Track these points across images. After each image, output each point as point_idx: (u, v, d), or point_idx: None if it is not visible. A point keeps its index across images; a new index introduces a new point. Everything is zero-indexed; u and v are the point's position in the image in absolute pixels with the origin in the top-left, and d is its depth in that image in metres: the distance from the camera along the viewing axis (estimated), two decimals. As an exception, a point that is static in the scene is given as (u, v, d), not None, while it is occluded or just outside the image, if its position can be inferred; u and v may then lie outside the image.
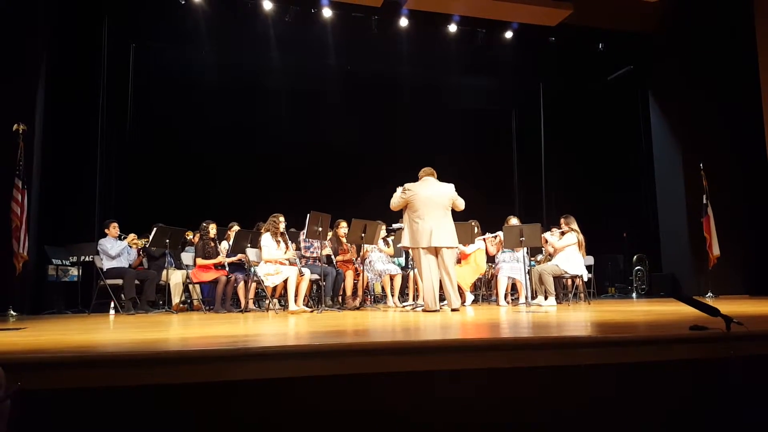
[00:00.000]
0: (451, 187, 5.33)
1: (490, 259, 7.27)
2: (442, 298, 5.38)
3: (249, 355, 2.04)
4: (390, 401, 2.09)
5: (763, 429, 2.18)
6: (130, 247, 6.63)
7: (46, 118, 7.13)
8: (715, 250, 7.95)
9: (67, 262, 7.07)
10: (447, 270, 5.16)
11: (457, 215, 5.44)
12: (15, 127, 6.00)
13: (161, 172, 8.32)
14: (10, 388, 1.16)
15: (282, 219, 6.15)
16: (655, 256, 9.45)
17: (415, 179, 5.43)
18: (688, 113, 8.96)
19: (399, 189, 5.38)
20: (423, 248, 5.14)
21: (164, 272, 6.67)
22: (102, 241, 6.47)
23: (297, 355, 2.08)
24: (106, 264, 6.37)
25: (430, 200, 5.19)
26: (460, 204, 5.37)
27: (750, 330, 2.33)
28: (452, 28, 9.01)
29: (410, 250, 5.63)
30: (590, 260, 7.16)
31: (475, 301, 7.01)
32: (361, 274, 6.88)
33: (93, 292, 6.46)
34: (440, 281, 5.27)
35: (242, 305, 6.38)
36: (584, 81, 10.29)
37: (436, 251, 5.18)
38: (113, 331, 3.60)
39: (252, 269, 6.29)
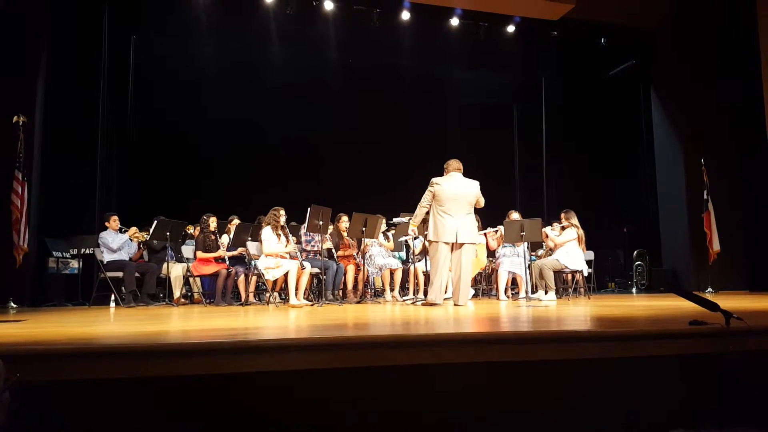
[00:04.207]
0: (476, 184, 5.34)
1: (491, 253, 7.27)
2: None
3: (249, 348, 2.04)
4: (390, 394, 2.09)
5: (760, 424, 2.19)
6: (131, 240, 6.63)
7: (46, 110, 7.11)
8: (715, 246, 7.94)
9: (68, 255, 7.07)
10: (464, 266, 5.18)
11: None
12: (15, 118, 5.98)
13: (162, 164, 8.30)
14: (9, 379, 1.16)
15: (282, 212, 6.14)
16: (655, 252, 9.45)
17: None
18: (689, 108, 8.93)
19: (427, 193, 5.30)
20: (444, 242, 5.15)
21: (165, 265, 6.67)
22: (103, 234, 6.47)
23: (297, 348, 2.08)
24: (107, 257, 6.37)
25: (457, 196, 5.20)
26: (482, 202, 5.41)
27: (749, 325, 2.33)
28: (454, 21, 8.97)
29: (424, 241, 5.60)
30: (590, 255, 7.16)
31: (475, 296, 7.02)
32: (362, 268, 6.89)
33: (93, 285, 6.47)
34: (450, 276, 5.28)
35: (243, 298, 6.38)
36: (586, 76, 10.24)
37: (453, 247, 5.19)
38: (113, 324, 3.61)
39: (252, 262, 6.29)
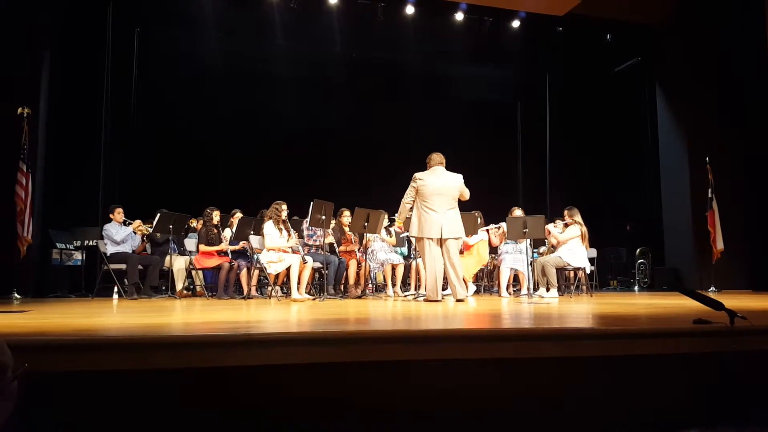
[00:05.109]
0: (459, 177, 5.29)
1: (493, 250, 7.25)
2: (444, 288, 5.38)
3: (251, 342, 2.05)
4: (390, 389, 2.10)
5: (765, 423, 2.18)
6: (135, 233, 6.65)
7: (50, 102, 7.12)
8: (719, 245, 7.92)
9: (71, 246, 7.10)
10: (452, 261, 5.14)
11: (461, 205, 5.41)
12: (19, 110, 6.00)
13: (165, 157, 8.31)
14: (17, 369, 1.17)
15: (284, 206, 6.14)
16: (658, 250, 9.43)
17: (419, 168, 5.39)
18: (694, 106, 8.89)
19: (410, 189, 5.29)
20: (430, 239, 5.12)
21: (167, 258, 6.69)
22: (107, 226, 6.49)
23: (299, 342, 2.09)
24: (110, 249, 6.38)
25: (441, 191, 5.15)
26: (466, 194, 5.34)
27: (753, 325, 2.33)
28: (459, 16, 8.94)
29: (414, 238, 5.60)
30: (593, 253, 7.14)
31: (477, 292, 7.02)
32: (364, 263, 6.89)
33: (97, 277, 6.49)
34: (444, 272, 5.26)
35: (245, 292, 6.40)
36: (591, 72, 10.20)
37: (440, 242, 5.17)
38: (116, 316, 3.62)
39: (255, 256, 6.30)
